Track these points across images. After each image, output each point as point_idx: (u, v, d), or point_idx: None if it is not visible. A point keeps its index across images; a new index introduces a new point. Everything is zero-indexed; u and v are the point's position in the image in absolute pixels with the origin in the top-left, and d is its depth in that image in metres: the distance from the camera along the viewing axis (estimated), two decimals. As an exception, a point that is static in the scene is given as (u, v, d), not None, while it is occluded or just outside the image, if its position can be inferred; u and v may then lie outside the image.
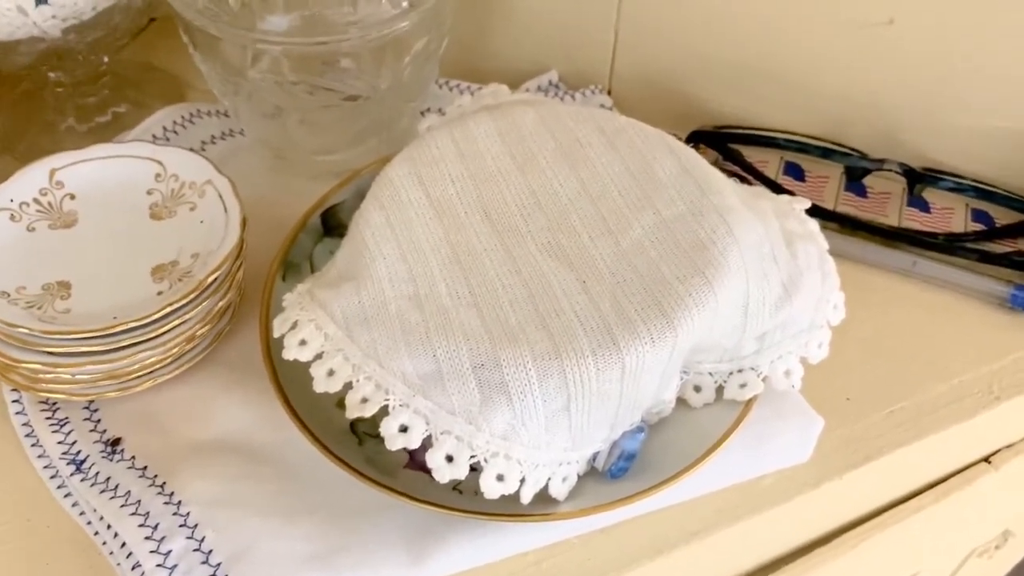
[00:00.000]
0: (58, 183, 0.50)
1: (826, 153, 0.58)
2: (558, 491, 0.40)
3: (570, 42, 0.63)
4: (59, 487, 0.44)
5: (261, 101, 0.54)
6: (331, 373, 0.39)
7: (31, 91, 0.63)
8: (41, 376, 0.44)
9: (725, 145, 0.58)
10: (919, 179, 0.56)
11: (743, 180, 0.55)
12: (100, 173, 0.50)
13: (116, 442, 0.45)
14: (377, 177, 0.46)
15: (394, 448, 0.38)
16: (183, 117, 0.61)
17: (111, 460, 0.44)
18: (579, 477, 0.41)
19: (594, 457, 0.41)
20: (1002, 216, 0.56)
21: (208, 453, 0.44)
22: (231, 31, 0.50)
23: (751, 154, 0.58)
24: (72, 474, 0.43)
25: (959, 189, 0.57)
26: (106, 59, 0.61)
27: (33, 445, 0.45)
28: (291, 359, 0.40)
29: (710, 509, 0.44)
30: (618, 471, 0.41)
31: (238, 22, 0.53)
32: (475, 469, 0.38)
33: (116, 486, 0.43)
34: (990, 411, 0.49)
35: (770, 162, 0.59)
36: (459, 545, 0.41)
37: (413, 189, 0.45)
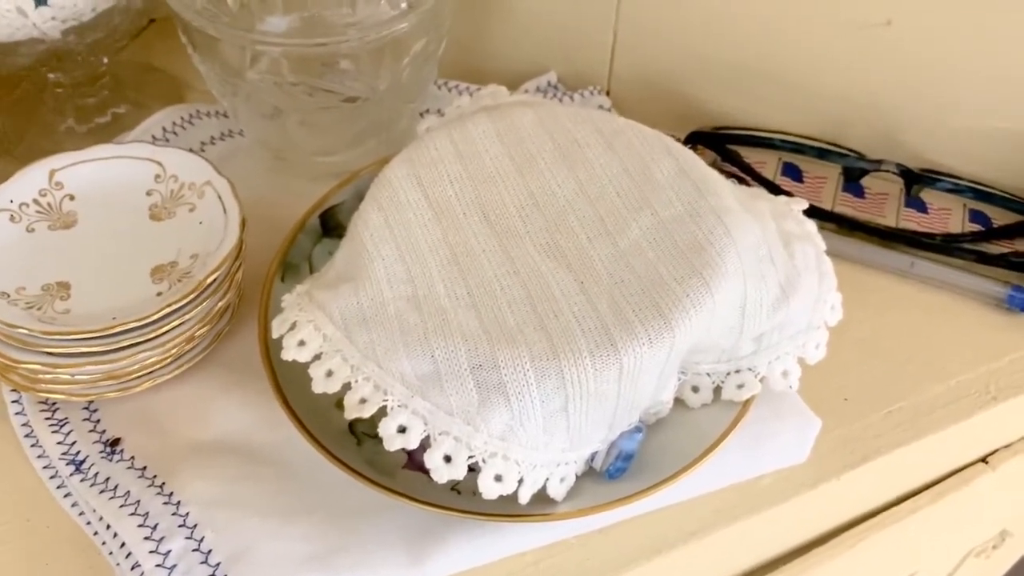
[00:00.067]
0: (58, 184, 0.50)
1: (823, 154, 0.58)
2: (556, 491, 0.40)
3: (569, 43, 0.63)
4: (59, 487, 0.44)
5: (260, 102, 0.54)
6: (329, 374, 0.39)
7: (31, 92, 0.63)
8: (41, 376, 0.44)
9: (723, 146, 0.59)
10: (917, 180, 0.56)
11: (741, 181, 0.55)
12: (100, 174, 0.50)
13: (115, 442, 0.45)
14: (376, 178, 0.46)
15: (392, 448, 0.38)
16: (182, 118, 0.61)
17: (110, 460, 0.44)
18: (577, 477, 0.41)
19: (592, 457, 0.41)
20: (999, 217, 0.56)
21: (207, 453, 0.44)
22: (230, 32, 0.50)
23: (749, 155, 0.58)
24: (71, 474, 0.43)
25: (957, 190, 0.57)
26: (106, 60, 0.61)
27: (33, 445, 0.45)
28: (290, 360, 0.40)
29: (708, 509, 0.44)
30: (616, 471, 0.41)
31: (237, 23, 0.53)
32: (473, 469, 0.38)
33: (115, 486, 0.43)
34: (987, 411, 0.49)
35: (768, 163, 0.59)
36: (458, 545, 0.41)
37: (412, 190, 0.45)
